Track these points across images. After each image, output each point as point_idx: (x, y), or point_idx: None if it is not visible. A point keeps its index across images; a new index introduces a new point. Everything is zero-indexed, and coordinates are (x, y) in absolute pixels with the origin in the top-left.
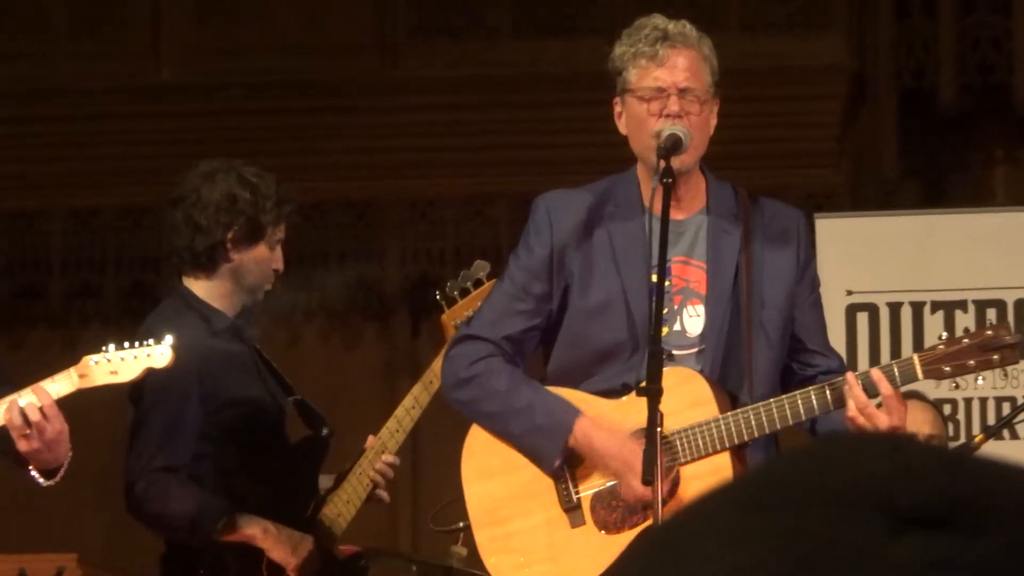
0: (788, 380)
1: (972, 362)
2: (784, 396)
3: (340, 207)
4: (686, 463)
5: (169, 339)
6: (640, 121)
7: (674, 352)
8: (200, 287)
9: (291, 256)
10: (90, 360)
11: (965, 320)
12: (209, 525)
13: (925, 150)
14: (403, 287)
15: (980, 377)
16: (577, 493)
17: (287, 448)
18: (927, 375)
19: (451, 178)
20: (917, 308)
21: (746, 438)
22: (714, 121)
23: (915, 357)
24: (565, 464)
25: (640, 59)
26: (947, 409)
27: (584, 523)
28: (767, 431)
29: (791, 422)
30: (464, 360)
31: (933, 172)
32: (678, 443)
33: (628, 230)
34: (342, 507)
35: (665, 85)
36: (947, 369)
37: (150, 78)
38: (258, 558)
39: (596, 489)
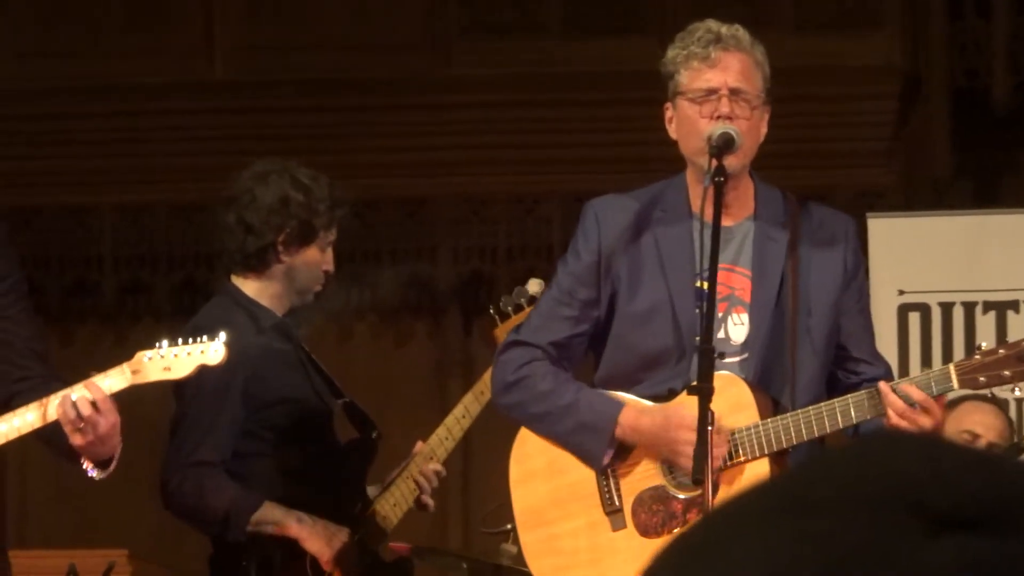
0: (833, 388)
1: (1008, 372)
2: (824, 403)
3: (392, 205)
4: (725, 468)
5: (223, 336)
6: (691, 123)
7: (721, 359)
8: (250, 286)
9: (342, 254)
10: (143, 356)
11: (1017, 320)
12: (243, 519)
13: (977, 150)
14: (455, 285)
15: (1017, 388)
16: (620, 496)
17: (334, 448)
18: (963, 384)
19: (502, 176)
20: (969, 308)
21: (785, 444)
22: (764, 129)
23: (951, 367)
24: (610, 466)
25: (692, 61)
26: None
27: (625, 526)
28: (806, 438)
29: (830, 429)
30: (511, 365)
31: (985, 172)
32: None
33: (675, 235)
34: (388, 510)
35: (717, 85)
36: (982, 379)
37: (202, 75)
38: (303, 555)
39: (638, 492)
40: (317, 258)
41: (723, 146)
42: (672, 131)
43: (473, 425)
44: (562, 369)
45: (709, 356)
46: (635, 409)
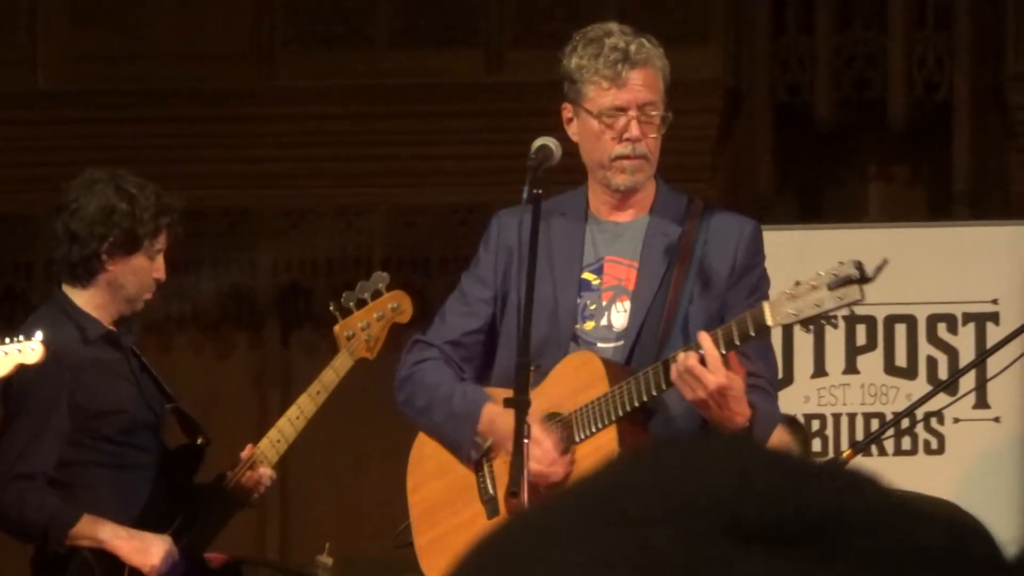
0: None
1: (815, 300)
2: (652, 365)
3: (214, 215)
4: (581, 442)
5: (39, 335)
6: (596, 139)
7: (600, 345)
8: (78, 296)
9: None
10: None
11: (835, 334)
12: (60, 532)
13: (800, 165)
14: (274, 296)
15: (833, 318)
16: (494, 484)
17: (161, 456)
18: (776, 319)
19: (324, 188)
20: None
21: (622, 412)
22: (663, 130)
23: (764, 304)
24: (485, 457)
25: (598, 78)
26: (815, 424)
27: (499, 513)
28: (637, 401)
29: (656, 390)
30: (406, 363)
31: (808, 187)
32: (574, 423)
33: (568, 231)
34: (217, 515)
35: (624, 105)
36: (791, 311)
37: (27, 85)
38: (123, 566)
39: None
40: (145, 266)
41: (543, 159)
42: (572, 133)
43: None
44: (458, 369)
45: (525, 369)
46: (496, 409)
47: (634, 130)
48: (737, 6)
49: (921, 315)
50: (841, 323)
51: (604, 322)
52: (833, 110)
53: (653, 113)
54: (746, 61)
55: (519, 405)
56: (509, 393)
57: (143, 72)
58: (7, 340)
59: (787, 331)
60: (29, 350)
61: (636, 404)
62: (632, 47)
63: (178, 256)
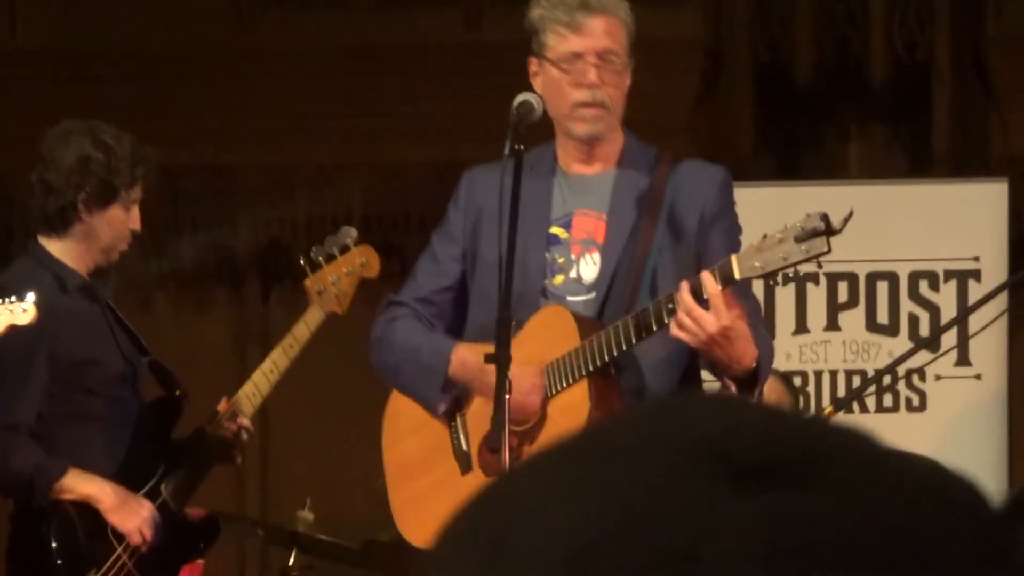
0: None
1: (782, 253)
2: (630, 314)
3: (193, 174)
4: (552, 396)
5: (32, 296)
6: (557, 87)
7: (569, 298)
8: (54, 247)
9: (144, 222)
10: None
11: (816, 291)
12: (46, 484)
13: (780, 124)
14: (254, 254)
15: (794, 270)
16: (467, 439)
17: (139, 408)
18: (743, 272)
19: (305, 146)
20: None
21: (599, 363)
22: (628, 82)
23: (731, 257)
24: (457, 409)
25: (557, 25)
26: (798, 381)
27: (472, 469)
28: (615, 351)
29: (636, 338)
30: (378, 323)
31: (788, 146)
32: (546, 377)
33: (536, 186)
34: (196, 470)
35: (582, 51)
36: (758, 264)
37: (4, 43)
38: (104, 522)
39: (484, 433)
40: (121, 217)
41: (524, 114)
42: (537, 86)
43: (273, 395)
44: (428, 325)
45: (507, 325)
46: (467, 348)
47: (591, 75)
48: None
49: (903, 272)
50: (823, 280)
51: (573, 275)
52: (813, 69)
53: (614, 60)
54: (726, 20)
55: (500, 360)
56: (483, 349)
57: (123, 31)
58: None
59: (768, 288)
60: (21, 311)
61: (606, 358)
62: None
63: (157, 214)
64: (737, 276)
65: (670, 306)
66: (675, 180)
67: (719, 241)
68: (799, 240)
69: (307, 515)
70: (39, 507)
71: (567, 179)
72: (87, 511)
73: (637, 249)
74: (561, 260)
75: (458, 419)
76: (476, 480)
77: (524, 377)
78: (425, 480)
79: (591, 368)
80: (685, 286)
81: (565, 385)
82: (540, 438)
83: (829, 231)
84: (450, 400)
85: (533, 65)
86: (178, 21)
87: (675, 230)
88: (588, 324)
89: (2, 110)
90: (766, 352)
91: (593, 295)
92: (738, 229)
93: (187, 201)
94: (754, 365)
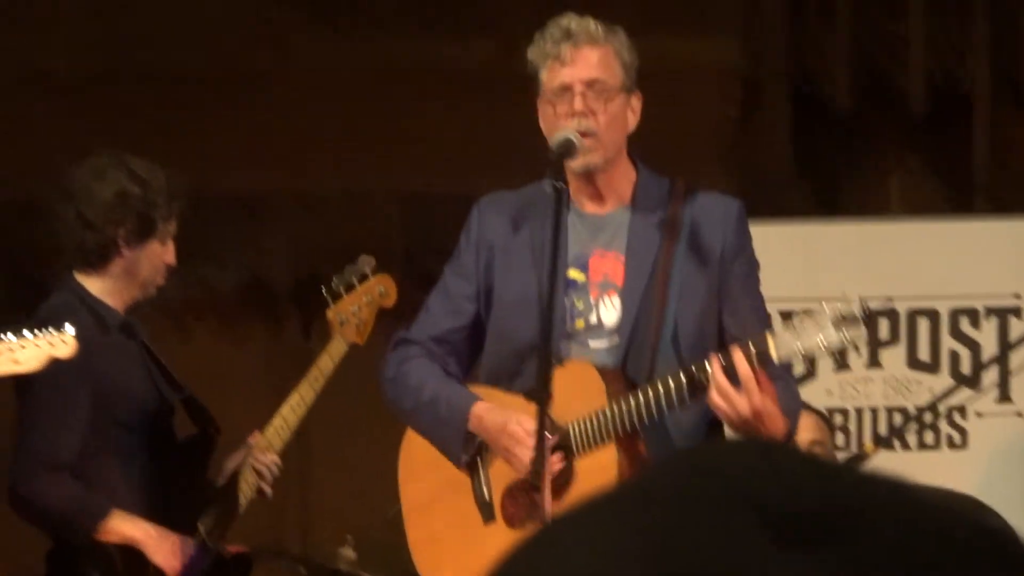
0: None
1: (819, 336)
2: (659, 380)
3: (228, 202)
4: (579, 456)
5: (71, 329)
6: (551, 122)
7: (592, 344)
8: (92, 283)
9: (181, 252)
10: None
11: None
12: (89, 525)
13: (817, 156)
14: (291, 286)
15: (832, 355)
16: (489, 488)
17: (175, 445)
18: (781, 356)
19: (339, 174)
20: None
21: (628, 428)
22: (634, 115)
23: (768, 337)
24: (479, 456)
25: (548, 60)
26: (838, 419)
27: (495, 519)
28: (645, 419)
29: (667, 408)
30: (391, 363)
31: (825, 178)
32: (572, 435)
33: (547, 228)
34: (230, 505)
35: (570, 82)
36: (797, 348)
37: (29, 68)
38: (147, 563)
39: (507, 484)
40: (158, 251)
41: (563, 154)
42: (541, 126)
43: (314, 420)
44: (443, 365)
45: (547, 363)
46: (485, 406)
47: (577, 103)
48: None
49: (944, 309)
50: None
51: (594, 320)
52: (852, 100)
53: (603, 90)
54: (764, 50)
55: (540, 399)
56: (498, 392)
57: (151, 56)
58: (37, 332)
59: None
60: (61, 343)
61: (636, 426)
62: (575, 25)
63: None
64: (774, 357)
65: (702, 377)
66: (691, 215)
67: (740, 283)
68: (837, 325)
69: (348, 552)
70: (79, 546)
71: (581, 218)
72: (127, 550)
73: (656, 291)
74: (580, 305)
75: (479, 466)
76: (499, 531)
77: (521, 456)
78: (444, 520)
79: (619, 433)
80: (717, 364)
81: (592, 446)
82: (568, 497)
83: (867, 317)
84: (472, 452)
85: (539, 107)
86: (209, 45)
87: (694, 269)
88: (614, 380)
89: (27, 135)
90: (793, 409)
91: (616, 340)
92: (756, 265)
93: (220, 230)
94: (785, 432)
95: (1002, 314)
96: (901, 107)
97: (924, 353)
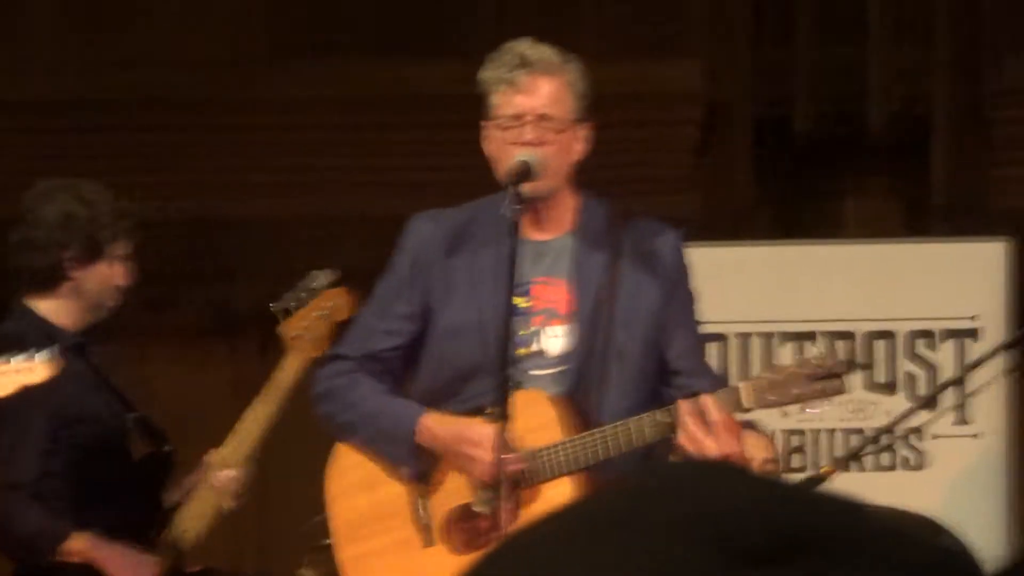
0: (661, 404)
1: (796, 391)
2: (620, 423)
3: (192, 226)
4: (524, 488)
5: (45, 354)
6: (499, 148)
7: (532, 372)
8: (42, 306)
9: (140, 275)
10: None
11: (813, 351)
12: (49, 547)
13: (778, 179)
14: (254, 308)
15: (807, 408)
16: (429, 512)
17: (130, 465)
18: (753, 404)
19: (303, 198)
20: (766, 339)
21: (581, 465)
22: (580, 145)
23: (740, 386)
24: (423, 479)
25: (500, 85)
26: (795, 440)
27: (434, 543)
28: (602, 458)
29: (626, 448)
30: (324, 377)
31: (786, 202)
32: (530, 464)
33: (490, 252)
34: (188, 523)
35: (523, 111)
36: (772, 398)
37: (10, 94)
38: None
39: (448, 508)
40: (107, 273)
41: (521, 176)
42: (487, 150)
43: (271, 440)
44: (377, 381)
45: (506, 383)
46: (435, 417)
47: (528, 134)
48: (716, 19)
49: (901, 331)
50: (820, 339)
51: (536, 347)
52: (812, 124)
53: (555, 121)
54: (725, 75)
55: (499, 420)
56: (442, 417)
57: (129, 80)
58: (9, 360)
59: (767, 344)
60: (33, 370)
61: (596, 461)
62: (532, 53)
63: (154, 267)
64: (746, 406)
65: (666, 421)
66: (633, 241)
67: (680, 313)
68: (815, 380)
69: (308, 573)
70: (41, 567)
71: (522, 244)
72: (89, 570)
73: (602, 320)
74: (522, 332)
75: (423, 490)
76: (439, 554)
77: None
78: (378, 542)
79: (573, 469)
80: (686, 410)
81: (549, 477)
82: (514, 528)
83: (847, 371)
84: (422, 465)
85: (484, 129)
86: (179, 70)
87: (637, 298)
88: (567, 411)
89: (7, 159)
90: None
91: (563, 368)
92: (695, 297)
93: (184, 254)
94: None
95: (959, 336)
96: (860, 131)
97: (881, 375)
